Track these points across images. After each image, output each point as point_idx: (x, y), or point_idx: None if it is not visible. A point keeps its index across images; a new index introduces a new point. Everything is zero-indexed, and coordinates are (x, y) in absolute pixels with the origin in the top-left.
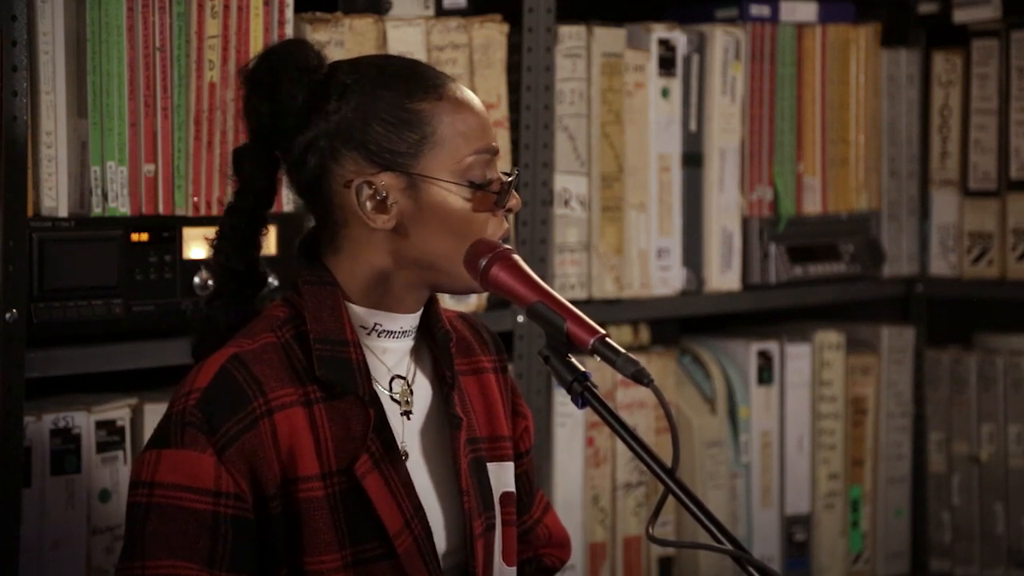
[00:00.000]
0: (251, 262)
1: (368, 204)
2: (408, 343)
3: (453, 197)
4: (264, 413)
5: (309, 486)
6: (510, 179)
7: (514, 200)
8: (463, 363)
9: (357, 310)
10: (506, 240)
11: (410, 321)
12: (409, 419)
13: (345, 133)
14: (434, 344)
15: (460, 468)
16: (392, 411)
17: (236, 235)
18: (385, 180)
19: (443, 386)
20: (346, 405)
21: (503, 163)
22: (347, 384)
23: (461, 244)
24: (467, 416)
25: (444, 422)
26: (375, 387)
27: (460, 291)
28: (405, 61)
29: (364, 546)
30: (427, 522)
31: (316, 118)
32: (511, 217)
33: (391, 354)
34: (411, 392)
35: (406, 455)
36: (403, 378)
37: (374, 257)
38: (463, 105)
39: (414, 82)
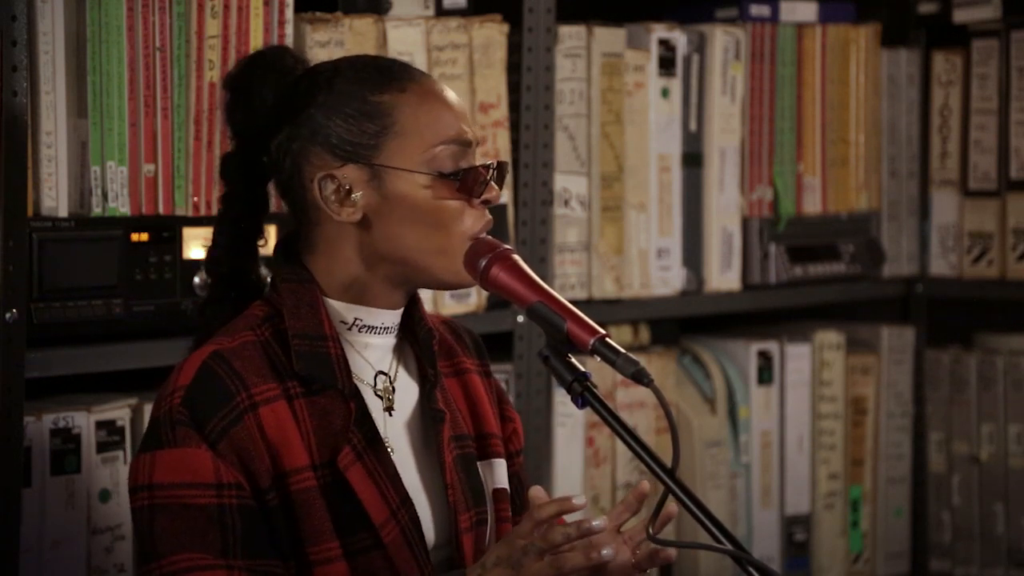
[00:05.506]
0: (246, 268)
1: (332, 197)
2: (390, 340)
3: (417, 187)
4: (248, 408)
5: (301, 477)
6: (488, 169)
7: (492, 191)
8: (445, 365)
9: (336, 306)
10: (491, 234)
11: (392, 317)
12: (391, 415)
13: (312, 131)
14: (416, 343)
15: (444, 462)
16: (375, 406)
17: (229, 241)
18: (348, 173)
19: (426, 384)
20: (326, 400)
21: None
22: (326, 378)
23: (432, 235)
24: (451, 412)
25: (428, 418)
26: (356, 382)
27: (439, 286)
28: (379, 59)
29: (354, 537)
30: (415, 512)
31: (288, 119)
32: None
33: (373, 350)
34: (393, 389)
35: (391, 449)
36: (385, 374)
37: (349, 254)
38: (428, 96)
39: (378, 76)
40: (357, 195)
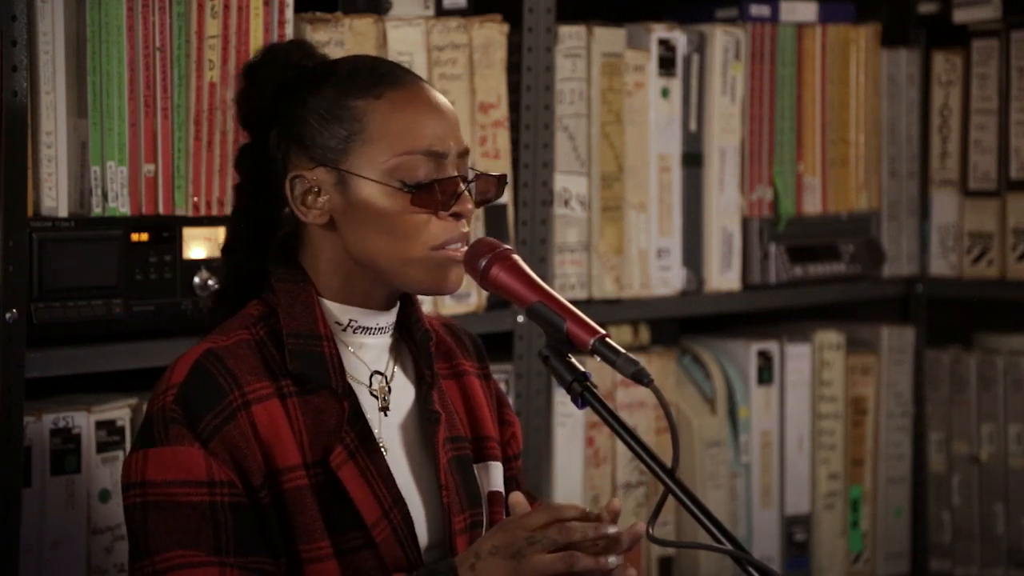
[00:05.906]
0: (259, 258)
1: (300, 198)
2: (386, 340)
3: (380, 196)
4: (241, 406)
5: (293, 475)
6: (462, 183)
7: (463, 205)
8: (444, 367)
9: (331, 306)
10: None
11: (387, 318)
12: (387, 415)
13: (294, 130)
14: (413, 344)
15: (439, 463)
16: (370, 406)
17: (239, 231)
18: (318, 175)
19: (422, 385)
20: (319, 399)
21: (503, 164)
22: (319, 377)
23: (395, 245)
24: (447, 414)
25: (424, 419)
26: (350, 381)
27: (415, 292)
28: (376, 62)
29: (345, 536)
30: (407, 512)
31: (281, 115)
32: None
33: (369, 350)
34: (389, 389)
35: (385, 449)
36: (381, 374)
37: (329, 255)
38: (407, 105)
39: (363, 80)
40: (323, 198)
